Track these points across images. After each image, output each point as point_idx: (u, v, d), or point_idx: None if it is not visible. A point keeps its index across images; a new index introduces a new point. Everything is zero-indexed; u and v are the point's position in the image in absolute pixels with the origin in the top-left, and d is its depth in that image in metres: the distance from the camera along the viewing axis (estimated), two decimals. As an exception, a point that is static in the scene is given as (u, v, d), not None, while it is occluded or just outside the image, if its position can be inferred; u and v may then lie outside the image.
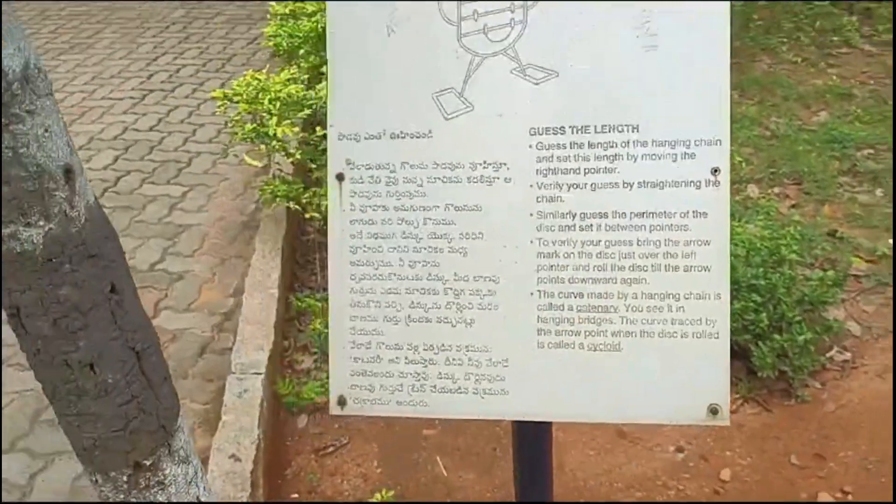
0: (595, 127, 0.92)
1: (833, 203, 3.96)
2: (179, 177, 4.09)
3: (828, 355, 3.12)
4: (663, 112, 0.91)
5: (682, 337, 0.92)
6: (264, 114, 3.14)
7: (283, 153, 3.32)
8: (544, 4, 0.92)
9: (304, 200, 3.18)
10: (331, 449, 2.91)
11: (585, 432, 2.99)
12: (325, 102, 3.32)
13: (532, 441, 1.10)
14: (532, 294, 0.95)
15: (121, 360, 0.85)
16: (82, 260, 0.78)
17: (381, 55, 0.96)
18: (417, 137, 0.96)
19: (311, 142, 3.31)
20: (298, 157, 3.21)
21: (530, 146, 0.94)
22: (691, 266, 0.91)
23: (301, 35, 3.80)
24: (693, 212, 0.91)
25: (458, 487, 2.78)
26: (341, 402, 1.00)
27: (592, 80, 0.92)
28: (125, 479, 0.89)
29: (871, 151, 4.30)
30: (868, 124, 4.49)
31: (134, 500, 0.89)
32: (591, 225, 0.93)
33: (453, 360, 0.96)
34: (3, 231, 0.72)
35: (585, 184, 0.93)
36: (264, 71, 3.41)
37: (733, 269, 3.06)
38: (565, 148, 0.93)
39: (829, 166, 4.20)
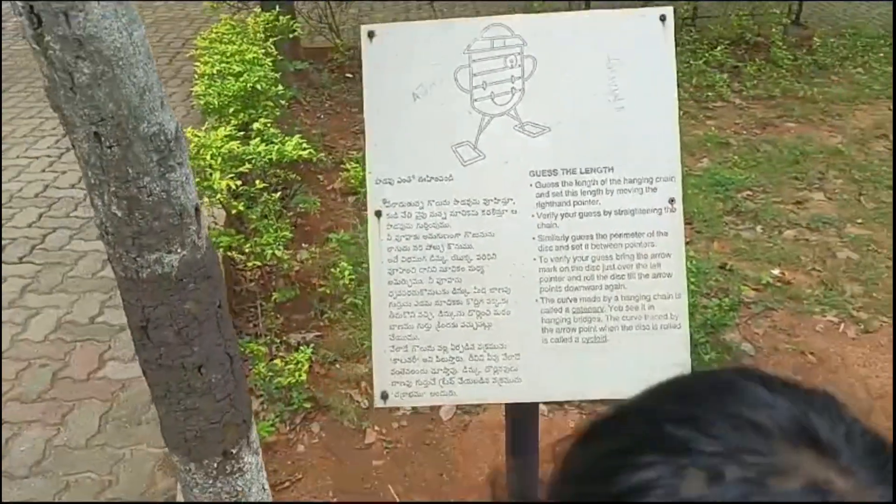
0: (580, 169, 1.21)
1: (721, 240, 4.44)
2: (108, 232, 4.13)
3: (729, 372, 3.52)
4: (631, 157, 1.21)
5: (653, 329, 1.21)
6: (206, 168, 3.30)
7: (221, 206, 3.48)
8: (537, 78, 1.21)
9: (247, 249, 3.34)
10: (286, 484, 3.05)
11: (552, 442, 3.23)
12: (262, 157, 3.53)
13: (522, 429, 1.35)
14: (536, 301, 1.22)
15: (221, 363, 1.05)
16: (202, 280, 0.99)
17: (409, 116, 1.22)
18: (441, 180, 1.22)
19: (252, 194, 3.49)
20: (241, 208, 3.39)
21: (531, 185, 1.22)
22: (658, 273, 1.21)
23: (230, 94, 3.99)
24: (657, 232, 1.21)
25: (413, 511, 2.97)
26: (384, 396, 1.22)
27: (577, 133, 1.21)
28: (215, 465, 1.07)
29: (750, 193, 4.84)
30: (744, 169, 5.05)
31: (220, 484, 1.07)
32: (581, 245, 1.21)
33: (476, 356, 1.21)
34: (149, 257, 0.92)
35: (575, 213, 1.21)
36: (203, 128, 3.58)
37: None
38: (558, 186, 1.21)
39: (715, 207, 4.70)
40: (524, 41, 1.22)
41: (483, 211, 1.22)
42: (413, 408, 3.43)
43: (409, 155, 1.22)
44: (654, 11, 1.22)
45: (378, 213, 1.22)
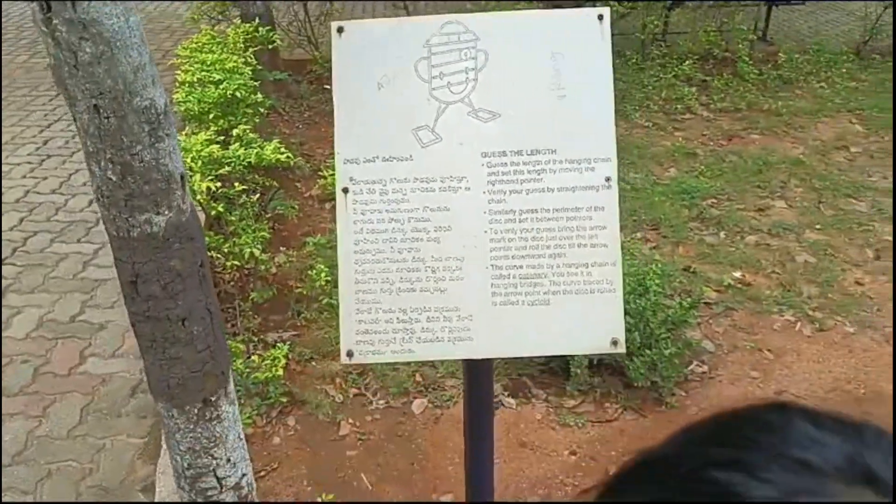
0: (526, 150, 1.36)
1: (686, 244, 4.63)
2: (89, 235, 4.24)
3: (689, 368, 3.69)
4: (572, 140, 1.36)
5: (590, 293, 1.36)
6: (187, 171, 3.43)
7: (200, 208, 3.61)
8: (489, 70, 1.36)
9: (225, 249, 3.47)
10: (262, 473, 3.16)
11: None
12: (241, 160, 3.66)
13: (477, 384, 1.50)
14: (487, 268, 1.36)
15: (202, 317, 1.18)
16: (186, 241, 1.13)
17: (374, 103, 1.37)
18: (402, 160, 1.37)
19: (231, 196, 3.63)
20: (220, 210, 3.52)
21: (482, 165, 1.37)
22: (595, 244, 1.36)
23: (210, 101, 4.12)
24: (594, 207, 1.36)
25: (384, 498, 3.11)
26: (349, 354, 1.36)
27: (524, 119, 1.37)
28: (196, 411, 1.20)
29: (714, 200, 5.04)
30: (710, 178, 5.25)
31: (200, 429, 1.21)
32: (527, 218, 1.36)
33: (432, 318, 1.36)
34: (139, 218, 1.06)
35: (521, 190, 1.37)
36: (183, 133, 3.72)
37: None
38: (506, 166, 1.37)
39: (681, 214, 4.89)
40: (477, 37, 1.38)
41: (440, 188, 1.36)
42: (386, 402, 3.56)
43: (374, 138, 1.37)
44: (593, 11, 1.38)
45: (345, 190, 1.37)
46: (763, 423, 0.42)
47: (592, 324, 1.37)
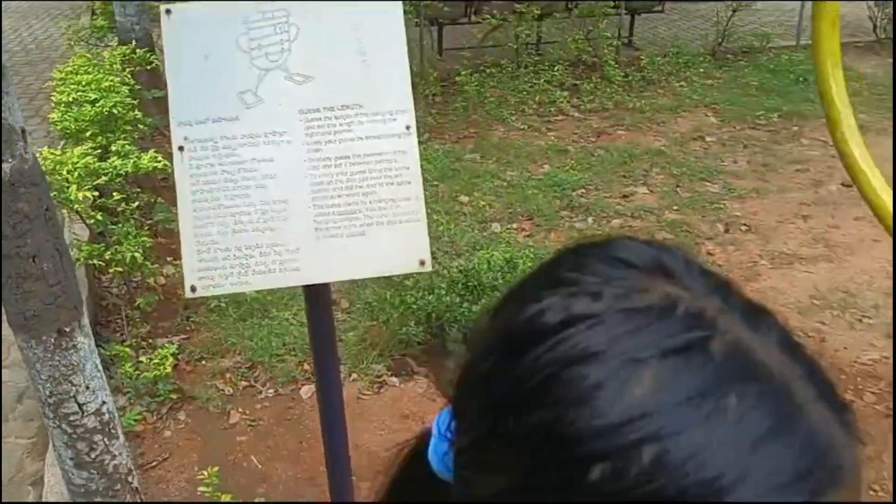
0: (337, 107, 1.62)
1: (557, 231, 4.97)
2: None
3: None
4: (375, 96, 1.63)
5: (399, 223, 1.62)
6: (64, 183, 3.55)
7: (80, 219, 3.72)
8: (301, 40, 1.61)
9: (107, 256, 3.59)
10: (154, 464, 3.30)
11: (375, 420, 3.60)
12: (118, 170, 3.80)
13: (317, 308, 1.73)
14: (309, 208, 1.61)
15: (52, 255, 1.37)
16: (30, 186, 1.32)
17: (202, 72, 1.60)
18: (230, 120, 1.60)
19: (110, 206, 3.76)
20: (99, 218, 3.64)
21: (300, 121, 1.62)
22: (401, 182, 1.62)
23: (87, 119, 4.23)
24: (398, 151, 1.62)
25: (274, 476, 3.29)
26: (193, 289, 1.57)
27: (333, 80, 1.62)
28: (52, 341, 1.39)
29: (584, 191, 5.42)
30: (580, 171, 5.64)
31: (58, 358, 1.39)
32: (341, 164, 1.61)
33: (264, 253, 1.59)
34: (-14, 164, 1.25)
35: (335, 140, 1.62)
36: (58, 148, 3.83)
37: (479, 275, 3.85)
38: (321, 120, 1.62)
39: (553, 204, 5.24)
40: (289, 13, 1.63)
41: (264, 142, 1.60)
42: (275, 391, 3.73)
43: (204, 103, 1.60)
44: (389, -10, 1.65)
45: (181, 148, 1.59)
46: (601, 242, 0.54)
47: (403, 249, 1.63)
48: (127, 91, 4.56)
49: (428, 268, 1.65)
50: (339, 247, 1.61)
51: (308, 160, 1.61)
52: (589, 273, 0.50)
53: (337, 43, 1.63)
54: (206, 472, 2.76)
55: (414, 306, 3.71)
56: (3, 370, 3.43)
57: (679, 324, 0.46)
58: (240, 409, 3.53)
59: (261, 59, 1.62)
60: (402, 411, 3.52)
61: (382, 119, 1.63)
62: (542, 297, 0.50)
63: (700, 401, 0.44)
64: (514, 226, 4.97)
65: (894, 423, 3.30)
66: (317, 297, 1.69)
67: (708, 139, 6.10)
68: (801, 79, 6.98)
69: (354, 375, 3.72)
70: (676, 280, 0.50)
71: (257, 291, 4.04)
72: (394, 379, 3.72)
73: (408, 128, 1.63)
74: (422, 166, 5.65)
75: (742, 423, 0.43)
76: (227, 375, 3.73)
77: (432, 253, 4.76)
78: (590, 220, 5.03)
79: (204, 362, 3.84)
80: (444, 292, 3.69)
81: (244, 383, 3.72)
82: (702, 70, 7.33)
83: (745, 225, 4.87)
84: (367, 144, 1.62)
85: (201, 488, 2.75)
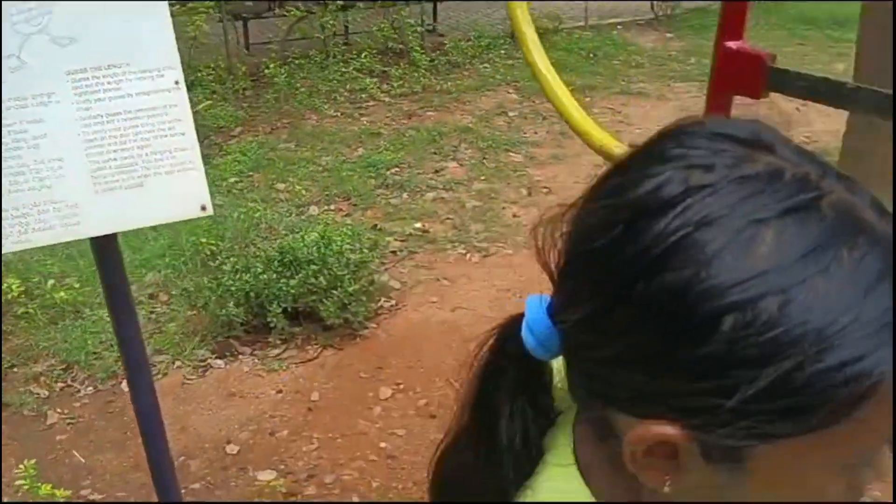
0: (104, 66, 1.71)
1: (374, 208, 5.17)
2: None
3: (379, 304, 4.18)
4: (142, 55, 1.73)
5: (177, 172, 1.73)
6: None
7: None
8: (62, 6, 1.68)
9: None
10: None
11: (202, 402, 3.65)
12: None
13: (107, 256, 1.81)
14: (85, 164, 1.68)
15: None
16: None
17: (-39, 39, 1.64)
18: (-4, 85, 1.64)
19: None
20: None
21: (67, 81, 1.69)
22: (174, 133, 1.73)
23: None
24: (168, 105, 1.73)
25: (98, 467, 3.27)
26: (-26, 250, 1.61)
27: (98, 41, 1.71)
28: None
29: (397, 169, 5.65)
30: (393, 152, 5.86)
31: None
32: (114, 120, 1.70)
33: (43, 210, 1.65)
34: None
35: (105, 98, 1.70)
36: None
37: (295, 251, 3.97)
38: (89, 80, 1.70)
39: (368, 184, 5.43)
40: (48, -21, 1.70)
41: (32, 104, 1.66)
42: (95, 388, 3.69)
43: (-34, 69, 1.64)
44: (147, -46, 1.75)
45: (-53, 115, 1.62)
46: (694, 123, 0.58)
47: (183, 196, 1.74)
48: None
49: (209, 212, 1.77)
50: (119, 199, 1.69)
51: (79, 119, 1.68)
52: (695, 148, 0.54)
53: (99, 6, 1.71)
54: (22, 466, 2.72)
55: (232, 288, 3.78)
56: None
57: (789, 187, 0.51)
58: (58, 410, 3.46)
59: (22, 24, 1.67)
60: (228, 390, 3.58)
61: (151, 76, 1.73)
62: (657, 172, 0.54)
63: (817, 254, 0.49)
64: (332, 207, 5.12)
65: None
66: (104, 250, 1.76)
67: (510, 114, 6.50)
68: (590, 55, 7.57)
69: (178, 363, 3.74)
70: (775, 151, 0.54)
71: (66, 291, 3.96)
72: (218, 361, 3.77)
73: (177, 83, 1.74)
74: (235, 159, 5.73)
75: (855, 272, 0.49)
76: (42, 379, 3.64)
77: (251, 240, 4.84)
78: (405, 195, 5.26)
79: (15, 369, 3.72)
80: (260, 270, 3.79)
81: (60, 384, 3.65)
82: (503, 52, 7.78)
83: (545, 188, 5.27)
84: (137, 101, 1.72)
85: (19, 481, 2.71)
